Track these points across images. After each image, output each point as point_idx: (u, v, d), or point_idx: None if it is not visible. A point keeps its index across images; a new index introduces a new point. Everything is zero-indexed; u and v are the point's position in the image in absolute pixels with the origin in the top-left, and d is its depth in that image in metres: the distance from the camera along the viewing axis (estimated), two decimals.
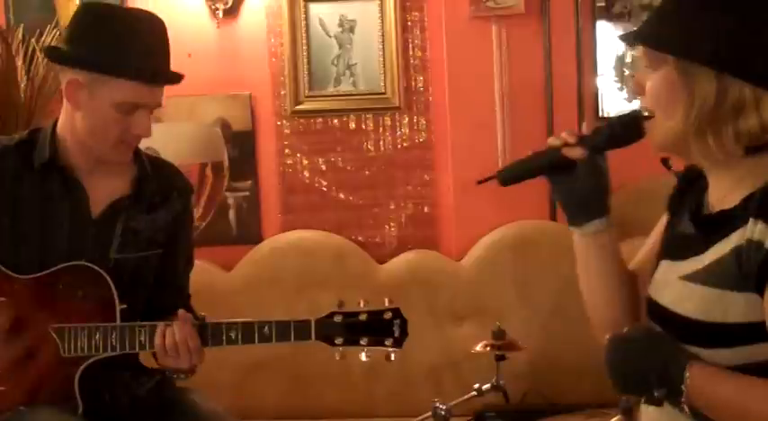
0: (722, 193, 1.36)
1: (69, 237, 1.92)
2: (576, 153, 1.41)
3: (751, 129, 1.27)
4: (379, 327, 1.81)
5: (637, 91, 1.40)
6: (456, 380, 2.90)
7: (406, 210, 3.18)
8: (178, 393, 2.04)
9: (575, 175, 1.42)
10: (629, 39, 1.52)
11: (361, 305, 1.82)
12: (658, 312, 1.39)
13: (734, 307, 1.27)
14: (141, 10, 2.03)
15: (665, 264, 1.43)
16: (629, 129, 1.39)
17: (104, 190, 1.96)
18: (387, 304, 1.83)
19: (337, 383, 2.92)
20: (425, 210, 3.18)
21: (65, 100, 1.92)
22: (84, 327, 1.85)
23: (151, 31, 1.89)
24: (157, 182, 2.02)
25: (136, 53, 1.84)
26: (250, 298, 3.00)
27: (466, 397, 2.54)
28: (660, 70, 1.33)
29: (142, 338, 1.83)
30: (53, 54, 1.98)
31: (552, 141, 1.44)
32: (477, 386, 2.54)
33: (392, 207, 3.19)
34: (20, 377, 1.88)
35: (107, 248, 1.93)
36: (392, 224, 3.19)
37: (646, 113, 1.37)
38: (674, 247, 1.42)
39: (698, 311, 1.30)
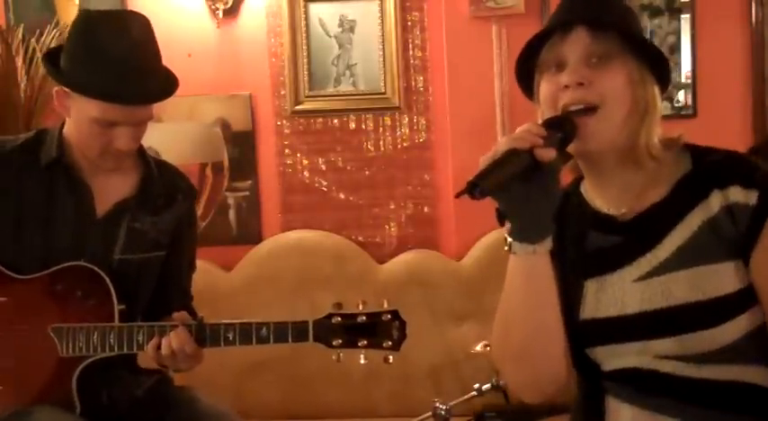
0: (626, 197, 1.35)
1: (73, 237, 1.92)
2: (550, 155, 1.22)
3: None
4: (378, 330, 1.78)
5: (577, 82, 1.29)
6: (456, 380, 2.90)
7: (406, 210, 3.18)
8: (177, 392, 2.04)
9: (543, 181, 1.23)
10: (591, 20, 1.32)
11: (360, 307, 1.80)
12: (622, 324, 1.31)
13: (725, 277, 1.27)
14: (129, 17, 1.91)
15: (596, 282, 1.35)
16: (573, 130, 1.28)
17: (110, 190, 1.96)
18: (385, 306, 1.81)
19: (337, 383, 2.92)
20: (425, 210, 3.18)
21: None
22: (82, 328, 1.85)
23: (132, 45, 1.82)
24: (163, 184, 2.02)
25: (108, 73, 1.79)
26: (250, 298, 3.00)
27: (466, 397, 2.53)
28: (614, 65, 1.30)
29: (140, 339, 1.83)
30: (46, 61, 1.95)
31: (519, 143, 1.22)
32: (477, 386, 2.53)
33: (392, 207, 3.19)
34: (18, 377, 1.88)
35: (111, 249, 1.93)
36: (392, 224, 3.19)
37: (579, 107, 1.29)
38: (599, 263, 1.35)
39: (690, 294, 1.27)
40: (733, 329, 1.26)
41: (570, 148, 1.32)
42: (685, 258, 1.28)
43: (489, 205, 1.30)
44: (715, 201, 1.29)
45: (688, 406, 1.28)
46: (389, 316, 1.79)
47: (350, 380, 2.92)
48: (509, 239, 1.29)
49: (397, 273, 3.04)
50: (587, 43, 1.31)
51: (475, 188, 1.19)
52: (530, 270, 1.29)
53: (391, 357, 1.79)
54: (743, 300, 1.27)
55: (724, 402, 1.28)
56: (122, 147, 1.87)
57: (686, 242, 1.29)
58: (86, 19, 1.88)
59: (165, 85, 1.91)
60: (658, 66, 1.34)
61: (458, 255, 3.09)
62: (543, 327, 1.32)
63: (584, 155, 1.35)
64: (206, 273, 3.03)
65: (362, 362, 1.80)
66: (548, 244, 1.28)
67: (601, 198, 1.39)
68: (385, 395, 2.96)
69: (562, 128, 1.28)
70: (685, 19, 3.02)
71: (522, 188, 1.23)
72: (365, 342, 1.78)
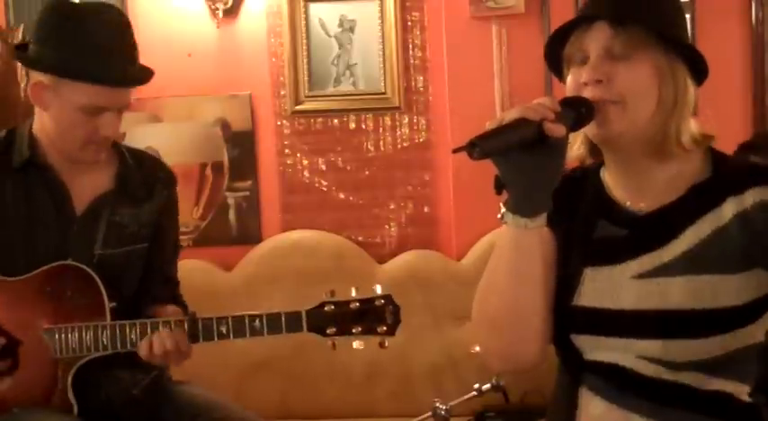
0: (647, 192, 1.34)
1: (54, 236, 1.91)
2: (559, 131, 1.22)
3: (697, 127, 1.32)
4: (372, 315, 1.80)
5: (595, 80, 1.29)
6: (456, 380, 2.89)
7: (406, 210, 3.18)
8: (175, 387, 2.04)
9: (545, 156, 1.23)
10: (616, 15, 1.30)
11: (353, 293, 1.82)
12: (614, 318, 1.30)
13: (724, 291, 1.26)
14: (105, 6, 1.94)
15: (595, 271, 1.34)
16: (590, 112, 1.29)
17: (87, 186, 1.94)
18: (379, 291, 1.82)
19: (337, 383, 2.92)
20: (425, 210, 3.18)
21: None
22: (74, 328, 1.84)
23: (113, 31, 1.84)
24: (140, 175, 2.01)
25: (95, 56, 1.80)
26: (250, 298, 2.99)
27: (466, 397, 2.54)
28: (637, 58, 1.29)
29: (133, 337, 1.83)
30: (20, 55, 1.94)
31: (530, 113, 1.22)
32: (477, 386, 2.54)
33: (392, 207, 3.19)
34: (13, 379, 1.87)
35: (91, 245, 1.92)
36: (392, 224, 3.19)
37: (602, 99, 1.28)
38: (603, 252, 1.34)
39: (686, 301, 1.26)
40: (720, 344, 1.26)
41: (593, 135, 1.32)
42: (689, 265, 1.27)
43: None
44: (728, 210, 1.27)
45: (662, 408, 1.28)
46: (383, 301, 1.81)
47: (350, 380, 2.91)
48: (503, 209, 1.30)
49: (397, 273, 3.04)
50: (608, 37, 1.29)
51: (474, 148, 1.18)
52: (518, 244, 1.30)
53: (387, 342, 1.79)
54: (737, 317, 1.26)
55: (699, 409, 1.27)
56: (109, 134, 1.87)
57: (693, 248, 1.28)
58: (65, 8, 1.88)
59: (144, 70, 1.93)
60: (690, 55, 1.33)
61: (458, 255, 3.09)
62: (521, 303, 1.32)
63: (607, 142, 1.33)
64: (206, 272, 3.05)
65: (359, 347, 1.80)
66: (540, 221, 1.28)
67: (621, 189, 1.37)
68: (385, 395, 2.96)
69: (577, 108, 1.28)
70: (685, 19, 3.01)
71: (523, 158, 1.22)
72: (359, 328, 1.80)
